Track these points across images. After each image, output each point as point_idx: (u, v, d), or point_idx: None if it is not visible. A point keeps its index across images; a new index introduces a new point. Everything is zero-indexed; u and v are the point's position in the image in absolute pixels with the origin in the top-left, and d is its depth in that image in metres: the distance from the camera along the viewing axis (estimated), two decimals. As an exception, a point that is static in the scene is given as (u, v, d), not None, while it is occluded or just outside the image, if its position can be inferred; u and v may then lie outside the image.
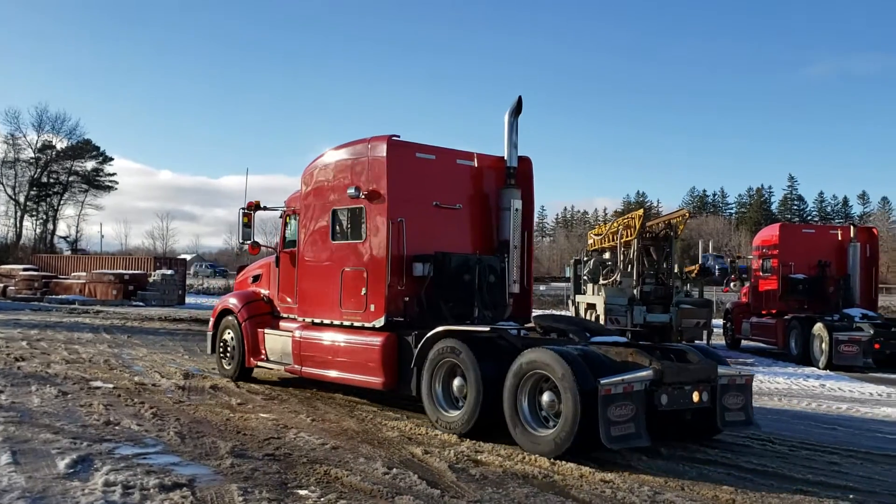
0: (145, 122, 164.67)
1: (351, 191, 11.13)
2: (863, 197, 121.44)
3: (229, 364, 13.95)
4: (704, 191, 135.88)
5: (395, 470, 7.67)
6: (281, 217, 13.73)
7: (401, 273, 10.96)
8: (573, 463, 8.11)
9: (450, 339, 9.84)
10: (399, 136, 11.15)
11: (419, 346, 10.17)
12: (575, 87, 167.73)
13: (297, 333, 12.19)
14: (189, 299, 46.65)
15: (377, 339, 10.74)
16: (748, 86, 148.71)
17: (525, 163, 12.11)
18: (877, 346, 19.06)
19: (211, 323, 14.60)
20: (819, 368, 19.12)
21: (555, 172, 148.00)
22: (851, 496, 7.30)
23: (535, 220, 25.22)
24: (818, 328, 19.80)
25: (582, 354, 8.58)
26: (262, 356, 13.31)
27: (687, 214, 25.56)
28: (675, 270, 23.45)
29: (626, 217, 24.60)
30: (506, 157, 11.83)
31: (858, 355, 18.95)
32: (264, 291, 13.98)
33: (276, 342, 13.02)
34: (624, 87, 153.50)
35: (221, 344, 14.14)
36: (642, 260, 22.58)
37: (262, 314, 13.66)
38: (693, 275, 25.83)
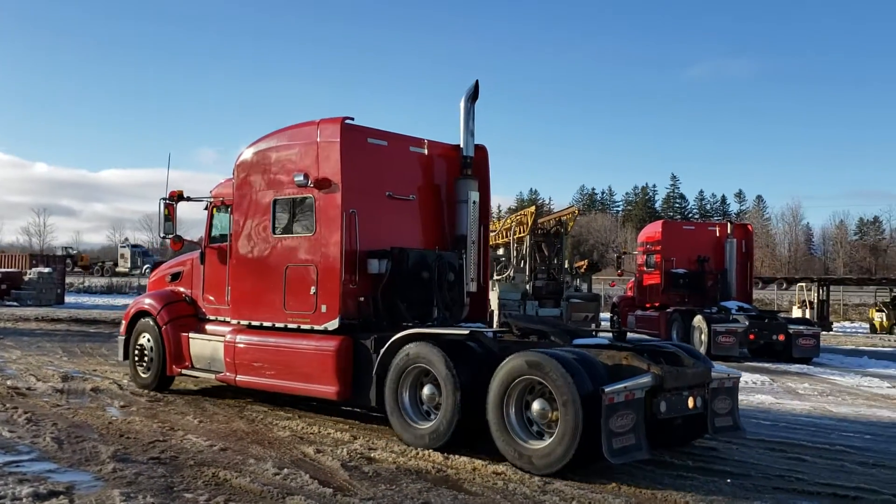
0: (16, 112, 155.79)
1: (299, 178, 9.98)
2: (739, 195, 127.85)
3: (146, 372, 12.43)
4: (593, 189, 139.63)
5: (286, 470, 7.56)
6: (206, 209, 12.37)
7: (354, 270, 9.96)
8: (466, 457, 8.19)
9: (419, 342, 8.93)
10: (353, 119, 10.14)
11: (381, 351, 9.20)
12: (465, 81, 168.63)
13: (231, 338, 10.96)
14: (69, 298, 44.34)
15: (330, 344, 9.69)
16: (637, 84, 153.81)
17: (481, 151, 11.30)
18: (752, 336, 20.16)
19: (123, 326, 13.01)
20: (699, 359, 19.96)
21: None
22: (729, 480, 7.66)
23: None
24: (698, 320, 20.74)
25: (579, 359, 7.75)
26: (187, 363, 11.90)
27: (576, 211, 26.40)
28: (566, 266, 24.13)
29: (518, 214, 25.10)
30: (462, 146, 10.98)
31: (734, 346, 19.97)
32: (185, 291, 12.59)
33: (204, 348, 11.68)
34: (518, 84, 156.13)
35: (137, 350, 12.59)
36: (534, 256, 23.14)
37: (186, 316, 12.25)
38: (582, 270, 26.63)
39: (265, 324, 10.62)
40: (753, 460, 8.62)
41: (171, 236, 12.30)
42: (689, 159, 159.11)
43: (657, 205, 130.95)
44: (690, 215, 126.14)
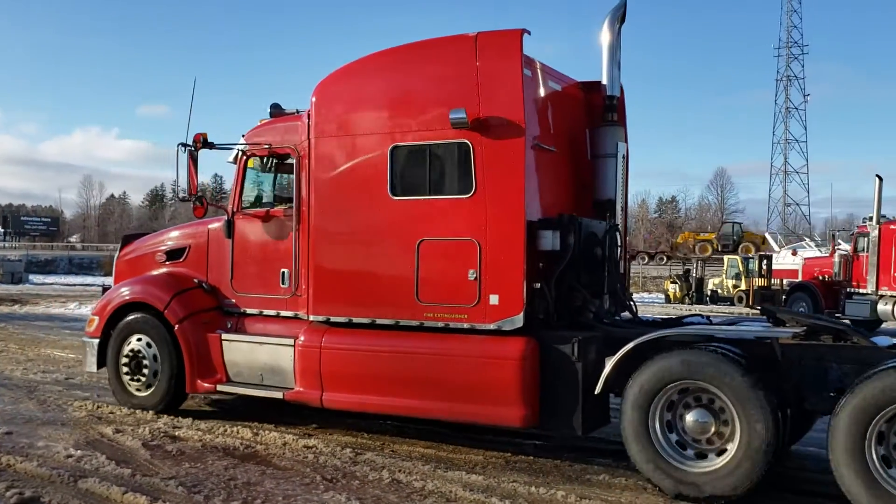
0: None
1: (457, 115, 7.09)
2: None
3: (147, 388, 8.86)
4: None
5: (79, 452, 7.10)
6: (235, 161, 8.89)
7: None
8: (276, 432, 8.02)
9: (684, 350, 6.40)
10: (530, 33, 7.26)
11: (614, 360, 6.60)
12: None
13: (310, 341, 7.89)
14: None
15: (510, 349, 6.95)
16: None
17: (621, 93, 8.65)
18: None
19: (96, 325, 9.23)
20: None
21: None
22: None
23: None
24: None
25: None
26: (219, 376, 8.54)
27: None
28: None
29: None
30: (605, 83, 8.32)
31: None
32: (193, 275, 9.05)
33: (253, 354, 8.38)
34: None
35: (127, 358, 8.96)
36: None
37: (207, 310, 8.79)
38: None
39: (379, 321, 7.67)
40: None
41: (194, 198, 8.60)
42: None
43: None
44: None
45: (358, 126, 7.86)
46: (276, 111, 8.84)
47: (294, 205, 8.21)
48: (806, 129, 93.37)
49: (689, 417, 6.29)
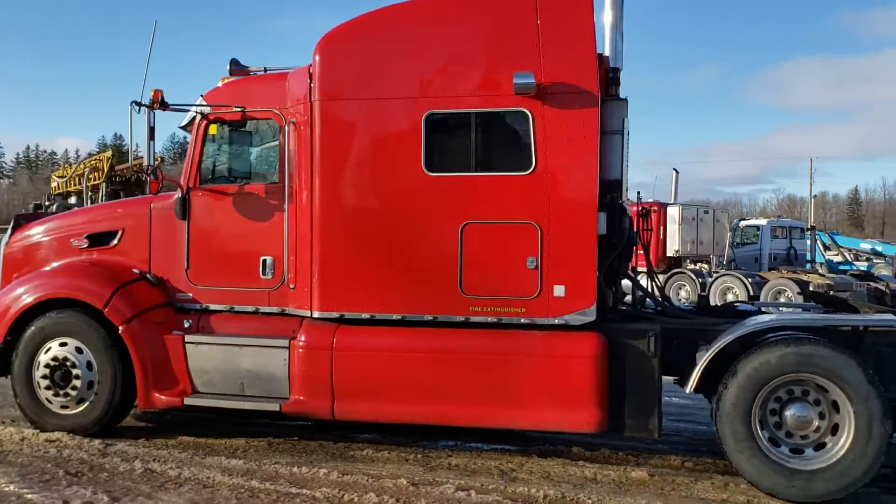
0: None
1: (522, 79, 6.12)
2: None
3: (78, 404, 7.14)
4: (185, 137, 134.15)
5: None
6: (189, 127, 7.42)
7: None
8: (13, 427, 7.33)
9: (795, 343, 5.93)
10: None
11: (707, 356, 5.99)
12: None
13: (313, 341, 6.68)
14: None
15: (582, 346, 6.22)
16: (224, 30, 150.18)
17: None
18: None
19: None
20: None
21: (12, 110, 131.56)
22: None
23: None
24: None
25: None
26: (181, 386, 7.04)
27: (159, 159, 25.05)
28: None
29: (93, 159, 23.17)
30: (608, 54, 7.31)
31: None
32: (128, 264, 7.41)
33: (228, 359, 6.95)
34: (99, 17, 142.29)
35: (49, 369, 7.16)
36: (112, 205, 21.60)
37: (157, 307, 7.21)
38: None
39: (408, 317, 6.57)
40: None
41: (152, 166, 7.15)
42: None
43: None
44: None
45: (381, 88, 6.59)
46: (238, 69, 7.50)
47: (281, 180, 6.93)
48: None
49: (791, 412, 5.87)
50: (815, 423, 5.84)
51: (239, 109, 7.06)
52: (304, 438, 7.28)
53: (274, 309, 6.99)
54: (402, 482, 5.97)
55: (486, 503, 5.61)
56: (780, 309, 7.17)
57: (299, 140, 6.82)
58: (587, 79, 6.20)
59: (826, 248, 29.35)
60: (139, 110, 6.89)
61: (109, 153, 23.26)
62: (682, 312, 7.21)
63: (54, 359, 7.15)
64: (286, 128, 6.90)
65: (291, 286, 6.87)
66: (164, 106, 6.95)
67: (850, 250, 31.54)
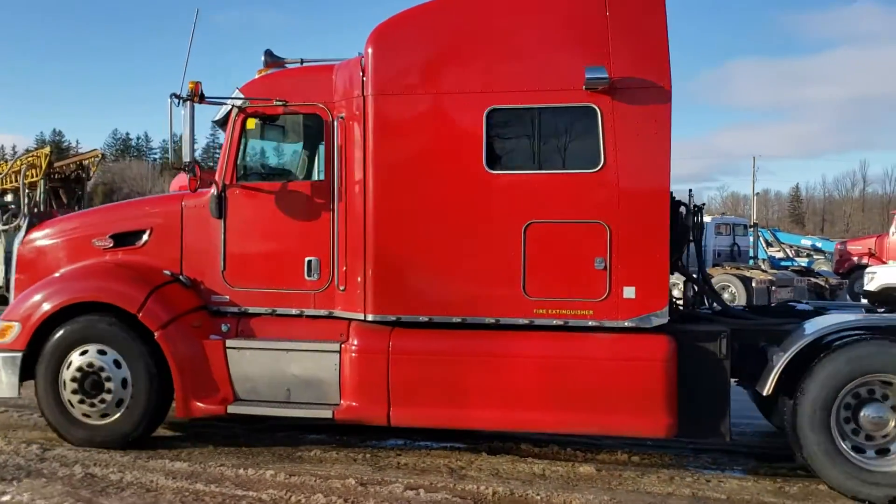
0: None
1: (597, 74, 5.92)
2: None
3: (110, 414, 6.71)
4: (128, 134, 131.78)
5: None
6: (225, 121, 7.00)
7: None
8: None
9: (865, 342, 5.88)
10: None
11: (790, 355, 5.84)
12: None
13: (376, 345, 6.40)
14: None
15: (654, 349, 6.03)
16: (172, 23, 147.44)
17: None
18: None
19: (16, 335, 6.82)
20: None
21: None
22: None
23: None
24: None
25: None
26: (223, 394, 6.67)
27: (99, 155, 24.59)
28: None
29: (30, 155, 22.58)
30: None
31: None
32: (157, 265, 7.00)
33: (274, 364, 6.64)
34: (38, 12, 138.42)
35: (78, 376, 6.71)
36: (50, 202, 21.03)
37: (192, 311, 6.84)
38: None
39: (469, 319, 6.33)
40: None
41: (188, 164, 6.61)
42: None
43: (197, 154, 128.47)
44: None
45: (440, 82, 6.35)
46: (273, 60, 7.19)
47: (327, 177, 6.63)
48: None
49: (868, 413, 5.80)
50: (892, 423, 5.81)
51: (280, 103, 6.73)
52: (250, 440, 7.16)
53: (320, 312, 6.68)
54: (351, 482, 5.91)
55: (435, 501, 5.59)
56: (840, 309, 7.09)
57: (349, 136, 6.54)
58: (659, 73, 5.99)
59: (768, 244, 29.95)
60: (178, 103, 6.45)
61: (48, 149, 22.70)
62: (741, 313, 7.08)
63: (83, 366, 6.70)
64: (334, 123, 6.60)
65: (341, 288, 6.57)
66: (202, 99, 6.56)
67: (791, 246, 32.22)
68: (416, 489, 5.78)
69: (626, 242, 6.05)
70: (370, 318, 6.43)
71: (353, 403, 6.41)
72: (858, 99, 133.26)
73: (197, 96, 6.47)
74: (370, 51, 6.41)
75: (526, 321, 6.24)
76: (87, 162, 22.55)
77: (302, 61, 7.18)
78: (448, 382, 6.26)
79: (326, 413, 6.46)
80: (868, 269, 19.24)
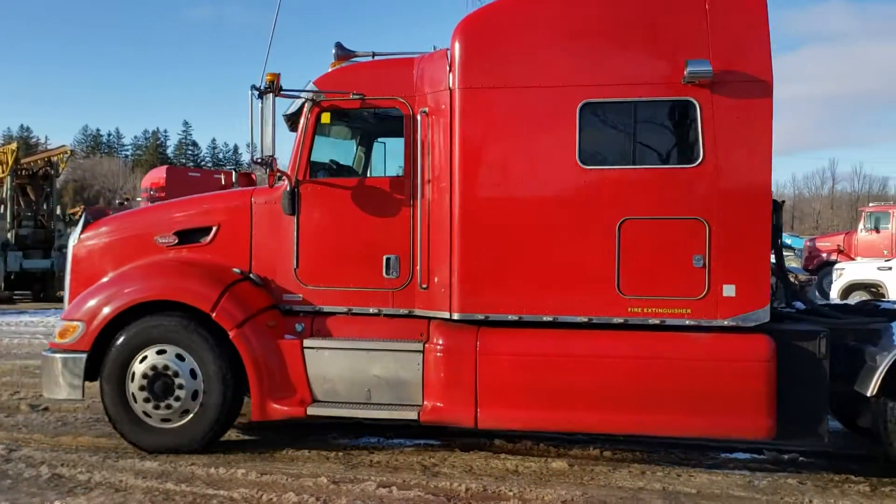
0: None
1: (700, 67, 5.82)
2: (250, 145, 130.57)
3: (181, 417, 6.55)
4: (98, 130, 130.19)
5: None
6: (302, 116, 6.76)
7: None
8: None
9: None
10: None
11: (894, 350, 5.82)
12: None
13: (463, 344, 6.25)
14: None
15: (755, 349, 5.91)
16: (138, 21, 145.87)
17: None
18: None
19: (81, 334, 6.63)
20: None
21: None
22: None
23: None
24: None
25: None
26: (300, 395, 6.52)
27: (68, 151, 24.25)
28: (58, 212, 22.08)
29: (-3, 151, 22.18)
30: None
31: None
32: (224, 263, 6.86)
33: (354, 365, 6.51)
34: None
35: (147, 378, 6.54)
36: (17, 199, 20.70)
37: (265, 310, 6.69)
38: (77, 217, 24.66)
39: (560, 318, 6.21)
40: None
41: (266, 159, 6.38)
42: (202, 105, 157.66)
43: (169, 151, 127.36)
44: (203, 163, 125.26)
45: (531, 75, 6.18)
46: (343, 53, 7.03)
47: (407, 173, 6.51)
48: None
49: None
50: None
51: (358, 97, 6.58)
52: (223, 440, 7.09)
53: (400, 310, 6.56)
54: (323, 480, 5.88)
55: (407, 499, 5.57)
56: None
57: (433, 130, 6.40)
58: (761, 66, 5.88)
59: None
60: (258, 96, 6.28)
61: (15, 145, 22.28)
62: (828, 311, 6.93)
63: (154, 368, 6.52)
64: (417, 118, 6.46)
65: (423, 286, 6.43)
66: (279, 91, 6.36)
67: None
68: (389, 487, 5.75)
69: (726, 239, 5.94)
70: (456, 316, 6.29)
71: (438, 404, 6.28)
72: (828, 98, 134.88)
73: (276, 89, 6.28)
74: (458, 44, 6.28)
75: (620, 320, 6.11)
76: (55, 158, 22.20)
77: (374, 54, 7.08)
78: (539, 384, 6.11)
79: (411, 414, 6.33)
80: (836, 266, 19.48)
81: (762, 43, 5.90)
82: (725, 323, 5.96)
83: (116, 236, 7.19)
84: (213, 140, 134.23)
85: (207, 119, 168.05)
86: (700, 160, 5.97)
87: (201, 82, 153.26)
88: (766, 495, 5.79)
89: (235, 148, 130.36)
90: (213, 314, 6.46)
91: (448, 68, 6.31)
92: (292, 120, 7.07)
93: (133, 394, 6.54)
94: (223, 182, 23.36)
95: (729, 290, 5.95)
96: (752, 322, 5.93)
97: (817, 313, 6.73)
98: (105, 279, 6.89)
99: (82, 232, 7.26)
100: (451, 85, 6.29)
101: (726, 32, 5.92)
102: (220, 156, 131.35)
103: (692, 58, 5.86)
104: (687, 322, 6.02)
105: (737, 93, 5.90)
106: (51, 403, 8.18)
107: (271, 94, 6.24)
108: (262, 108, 6.24)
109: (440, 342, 6.31)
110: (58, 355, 6.68)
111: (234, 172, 23.39)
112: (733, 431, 6.07)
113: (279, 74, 6.32)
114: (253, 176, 26.14)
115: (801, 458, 6.72)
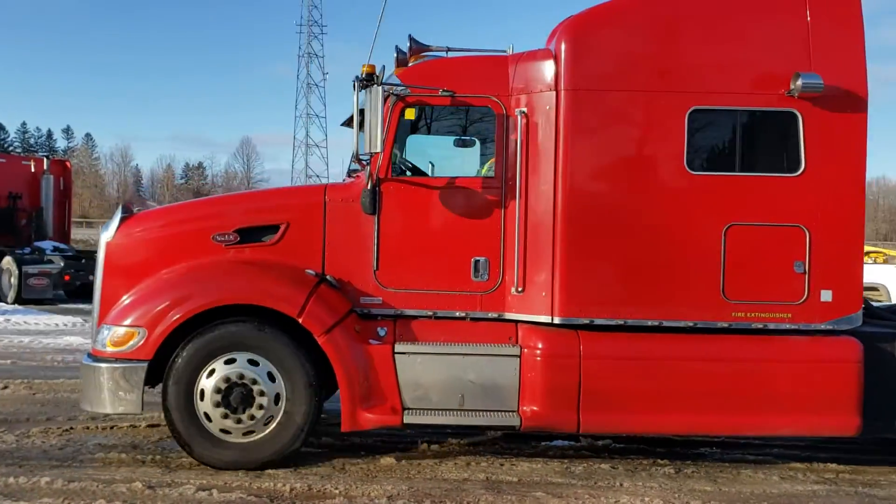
0: None
1: (812, 80, 5.93)
2: (67, 131, 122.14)
3: (261, 429, 6.02)
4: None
5: None
6: (389, 105, 6.25)
7: None
8: None
9: None
10: None
11: None
12: None
13: (565, 349, 6.07)
14: None
15: (847, 351, 6.14)
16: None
17: None
18: (66, 277, 19.31)
19: (141, 341, 5.97)
20: (7, 303, 18.50)
21: None
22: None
23: None
24: (7, 261, 19.10)
25: None
26: (391, 402, 6.10)
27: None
28: None
29: None
30: None
31: (48, 288, 18.95)
32: (295, 264, 6.32)
33: (447, 371, 6.16)
34: None
35: (222, 389, 5.98)
36: None
37: (348, 314, 6.23)
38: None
39: (665, 323, 6.17)
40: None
41: (368, 154, 6.06)
42: (11, 89, 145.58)
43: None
44: (11, 148, 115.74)
45: (641, 79, 6.18)
46: (417, 46, 6.68)
47: (498, 174, 6.29)
48: (325, 104, 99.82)
49: None
50: None
51: (448, 94, 6.30)
52: (22, 445, 6.59)
53: (489, 314, 6.36)
54: (138, 485, 5.58)
55: (228, 501, 5.40)
56: None
57: (532, 132, 6.25)
58: (857, 82, 6.15)
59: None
60: (363, 89, 6.02)
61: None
62: (886, 314, 7.18)
63: (227, 379, 6.00)
64: (508, 118, 6.30)
65: (519, 289, 6.26)
66: (378, 83, 6.01)
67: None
68: (209, 490, 5.56)
69: (825, 246, 6.16)
70: (557, 320, 6.18)
71: (537, 409, 6.12)
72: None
73: (379, 80, 6.00)
74: (564, 44, 6.20)
75: (724, 324, 6.20)
76: None
77: (448, 49, 6.84)
78: (642, 387, 6.12)
79: (512, 420, 6.16)
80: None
81: (859, 59, 6.19)
82: (822, 326, 6.22)
83: (164, 233, 6.61)
84: (24, 124, 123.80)
85: (17, 102, 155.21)
86: (802, 169, 6.19)
87: (13, 65, 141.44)
88: (582, 480, 6.12)
89: (49, 133, 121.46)
90: (301, 319, 6.05)
91: (553, 69, 6.23)
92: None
93: (206, 413, 6.03)
94: (33, 169, 21.71)
95: (826, 296, 6.19)
96: (846, 325, 6.22)
97: (877, 315, 7.03)
98: (159, 280, 6.31)
99: (119, 227, 6.51)
100: (557, 86, 6.22)
101: (827, 47, 6.17)
102: (32, 140, 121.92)
103: (796, 70, 6.07)
104: (787, 326, 6.23)
105: (836, 106, 6.15)
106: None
107: (375, 85, 5.97)
108: (370, 100, 5.94)
109: (540, 346, 6.18)
110: (107, 365, 6.07)
111: (45, 159, 21.86)
112: (826, 430, 6.34)
113: (375, 66, 6.08)
114: (68, 164, 24.81)
115: (613, 445, 7.12)
